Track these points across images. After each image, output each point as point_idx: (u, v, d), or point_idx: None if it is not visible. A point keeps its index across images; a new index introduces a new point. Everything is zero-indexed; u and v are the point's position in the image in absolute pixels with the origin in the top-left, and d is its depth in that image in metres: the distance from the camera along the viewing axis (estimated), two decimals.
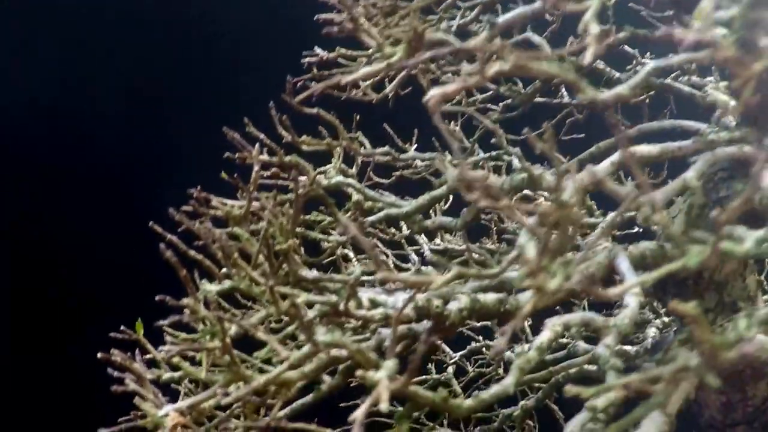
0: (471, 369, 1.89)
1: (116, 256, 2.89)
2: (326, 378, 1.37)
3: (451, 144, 0.89)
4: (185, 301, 1.05)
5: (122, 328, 1.18)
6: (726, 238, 0.88)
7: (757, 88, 1.36)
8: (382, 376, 0.85)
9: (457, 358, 1.86)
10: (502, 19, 1.01)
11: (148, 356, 1.20)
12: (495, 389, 1.00)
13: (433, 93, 0.81)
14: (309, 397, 1.37)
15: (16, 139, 2.89)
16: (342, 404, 1.85)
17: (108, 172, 2.94)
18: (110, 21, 2.91)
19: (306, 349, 0.93)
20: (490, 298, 1.26)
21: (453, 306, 1.22)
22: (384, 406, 0.83)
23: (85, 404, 2.41)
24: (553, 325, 1.12)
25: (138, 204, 2.54)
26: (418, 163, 1.53)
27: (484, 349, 1.87)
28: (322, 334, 0.95)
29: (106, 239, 2.93)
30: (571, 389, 0.79)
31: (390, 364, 0.88)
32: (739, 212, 0.70)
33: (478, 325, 1.87)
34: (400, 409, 1.04)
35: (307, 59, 1.33)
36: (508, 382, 1.01)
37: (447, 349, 1.86)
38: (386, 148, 1.45)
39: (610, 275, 1.35)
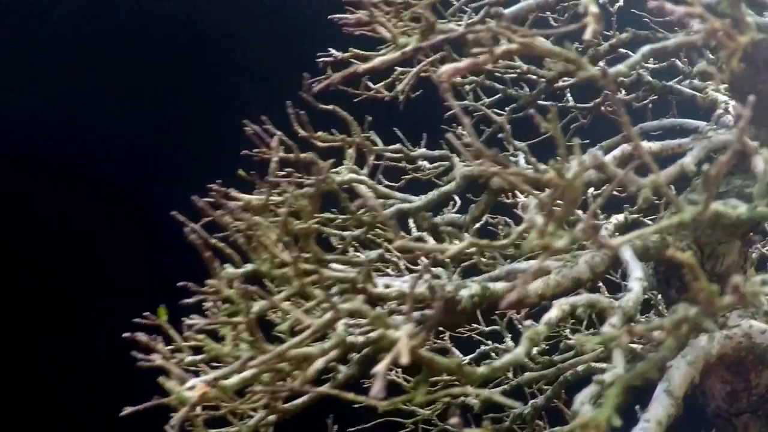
0: None
1: (127, 255, 2.99)
2: (342, 368, 1.47)
3: (461, 120, 0.98)
4: (210, 281, 1.15)
5: (146, 313, 1.27)
6: (722, 204, 0.99)
7: (754, 84, 1.47)
8: (402, 334, 0.94)
9: (466, 362, 1.94)
10: (509, 10, 1.11)
11: (171, 347, 1.28)
12: (507, 358, 1.09)
13: (445, 68, 0.90)
14: (326, 387, 1.46)
15: (36, 140, 3.00)
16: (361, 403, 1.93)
17: (122, 172, 3.04)
18: (128, 22, 3.03)
19: (328, 316, 1.01)
20: (500, 286, 1.35)
21: (465, 293, 1.31)
22: (404, 360, 0.91)
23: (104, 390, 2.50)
24: (560, 305, 1.21)
25: (153, 201, 2.64)
26: (427, 165, 1.63)
27: (493, 354, 1.96)
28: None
29: (119, 239, 3.03)
30: (579, 338, 0.87)
31: (408, 326, 0.97)
32: (727, 167, 0.80)
33: (487, 330, 1.96)
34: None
35: (321, 59, 1.43)
36: (519, 351, 1.10)
37: (457, 352, 1.95)
38: (397, 146, 1.55)
39: (615, 264, 1.45)
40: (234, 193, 1.32)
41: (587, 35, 0.87)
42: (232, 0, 3.04)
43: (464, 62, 0.91)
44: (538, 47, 0.93)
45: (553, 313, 1.18)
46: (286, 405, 1.45)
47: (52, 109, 2.99)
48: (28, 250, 3.06)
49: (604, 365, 1.66)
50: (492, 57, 0.92)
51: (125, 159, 3.06)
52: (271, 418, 1.46)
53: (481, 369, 1.07)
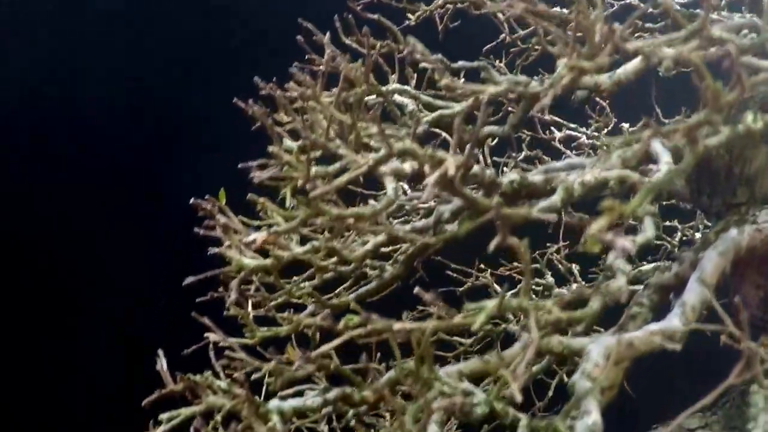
0: None
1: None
2: (388, 267, 1.69)
3: None
4: (270, 148, 1.37)
5: (207, 196, 1.48)
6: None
7: None
8: (449, 156, 1.16)
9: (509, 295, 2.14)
10: None
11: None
12: (542, 204, 1.31)
13: None
14: (373, 284, 1.68)
15: (36, 139, 3.25)
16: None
17: (122, 172, 3.27)
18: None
19: (382, 152, 1.24)
20: (537, 178, 1.58)
21: (505, 179, 1.53)
22: (451, 172, 1.13)
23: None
24: (593, 172, 1.42)
25: (153, 201, 2.86)
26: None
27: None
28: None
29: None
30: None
31: (458, 157, 1.19)
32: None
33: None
34: None
35: None
36: (555, 198, 1.32)
37: (498, 288, 2.16)
38: (439, 56, 1.78)
39: (646, 156, 1.66)
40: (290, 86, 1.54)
41: None
42: None
43: None
44: None
45: (587, 177, 1.39)
46: (333, 300, 1.67)
47: (52, 109, 3.23)
48: (28, 250, 3.27)
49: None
50: None
51: (125, 159, 3.28)
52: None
53: (521, 211, 1.28)
